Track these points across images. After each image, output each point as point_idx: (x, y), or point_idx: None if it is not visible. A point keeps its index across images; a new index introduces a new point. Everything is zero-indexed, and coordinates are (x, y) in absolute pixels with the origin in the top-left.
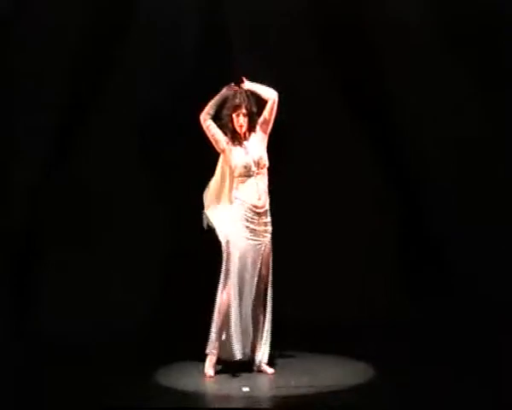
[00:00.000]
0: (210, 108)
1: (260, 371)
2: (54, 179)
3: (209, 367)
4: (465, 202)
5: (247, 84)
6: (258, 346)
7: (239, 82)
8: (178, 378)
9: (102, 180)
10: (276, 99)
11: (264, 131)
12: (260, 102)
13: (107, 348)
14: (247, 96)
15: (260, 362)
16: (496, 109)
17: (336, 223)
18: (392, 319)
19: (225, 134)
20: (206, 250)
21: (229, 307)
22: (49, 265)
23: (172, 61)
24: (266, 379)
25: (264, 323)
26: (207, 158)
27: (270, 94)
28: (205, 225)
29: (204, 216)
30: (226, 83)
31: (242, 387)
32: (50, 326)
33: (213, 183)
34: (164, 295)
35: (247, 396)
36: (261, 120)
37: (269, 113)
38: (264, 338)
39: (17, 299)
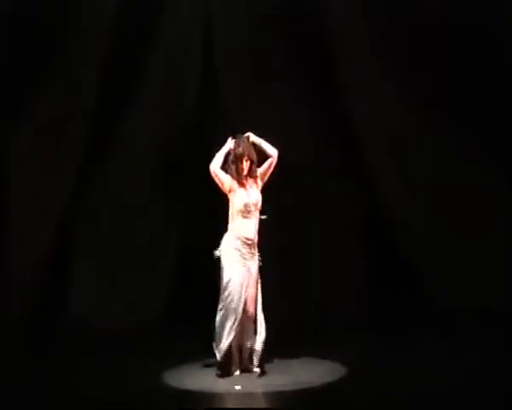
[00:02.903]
0: (217, 159)
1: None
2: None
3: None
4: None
5: (253, 138)
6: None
7: (243, 135)
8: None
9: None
10: (276, 157)
11: (262, 180)
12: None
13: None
14: (249, 144)
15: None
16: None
17: (315, 244)
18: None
19: (231, 177)
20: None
21: (226, 319)
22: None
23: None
24: (254, 378)
25: (255, 330)
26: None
27: (271, 152)
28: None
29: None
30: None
31: (235, 385)
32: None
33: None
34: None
35: (239, 393)
36: (261, 170)
37: (268, 167)
38: (257, 342)
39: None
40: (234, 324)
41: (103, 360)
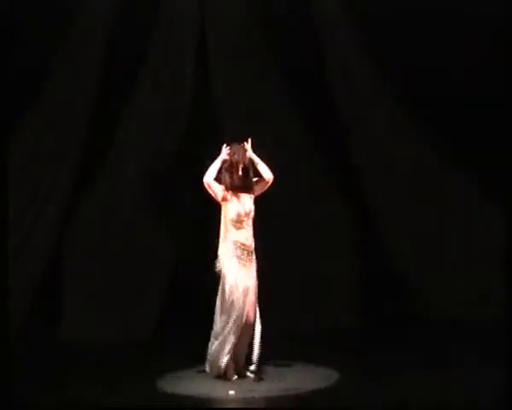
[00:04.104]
0: (211, 171)
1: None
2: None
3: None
4: None
5: (251, 153)
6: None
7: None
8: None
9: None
10: (271, 181)
11: (253, 194)
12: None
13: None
14: (244, 152)
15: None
16: None
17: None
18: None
19: (225, 187)
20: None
21: (223, 328)
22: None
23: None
24: (249, 384)
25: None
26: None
27: (267, 175)
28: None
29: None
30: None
31: (229, 390)
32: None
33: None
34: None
35: (233, 399)
36: (255, 185)
37: (262, 185)
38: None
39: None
40: (235, 332)
41: (99, 366)
